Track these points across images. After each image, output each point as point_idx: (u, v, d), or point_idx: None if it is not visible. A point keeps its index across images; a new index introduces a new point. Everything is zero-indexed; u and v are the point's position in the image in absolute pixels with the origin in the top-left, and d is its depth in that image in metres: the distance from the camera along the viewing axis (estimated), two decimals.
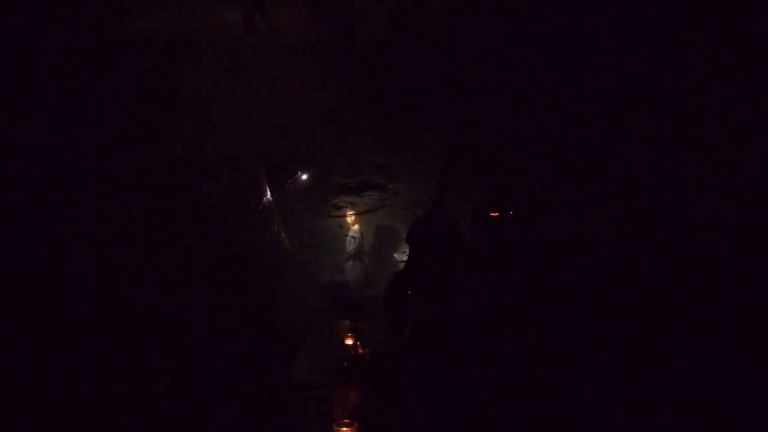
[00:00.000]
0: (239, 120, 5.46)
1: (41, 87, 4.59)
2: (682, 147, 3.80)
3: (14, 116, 4.34)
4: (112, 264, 4.56)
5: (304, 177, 7.13)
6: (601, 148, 4.54)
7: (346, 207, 8.31)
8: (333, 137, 5.99)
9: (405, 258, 6.59)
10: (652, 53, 4.09)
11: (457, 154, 5.75)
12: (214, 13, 4.78)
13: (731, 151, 3.33)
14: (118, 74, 5.16)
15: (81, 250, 4.45)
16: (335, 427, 2.02)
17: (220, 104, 5.42)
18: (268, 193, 5.39)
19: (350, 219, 8.35)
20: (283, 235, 5.09)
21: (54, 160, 4.73)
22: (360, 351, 3.00)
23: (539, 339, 2.46)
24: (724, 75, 3.43)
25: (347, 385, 2.37)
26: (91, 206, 4.50)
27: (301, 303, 5.10)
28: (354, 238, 8.26)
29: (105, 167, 4.62)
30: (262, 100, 5.47)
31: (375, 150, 6.81)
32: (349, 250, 8.23)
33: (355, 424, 2.03)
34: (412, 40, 5.25)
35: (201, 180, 4.97)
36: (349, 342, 3.14)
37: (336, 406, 2.29)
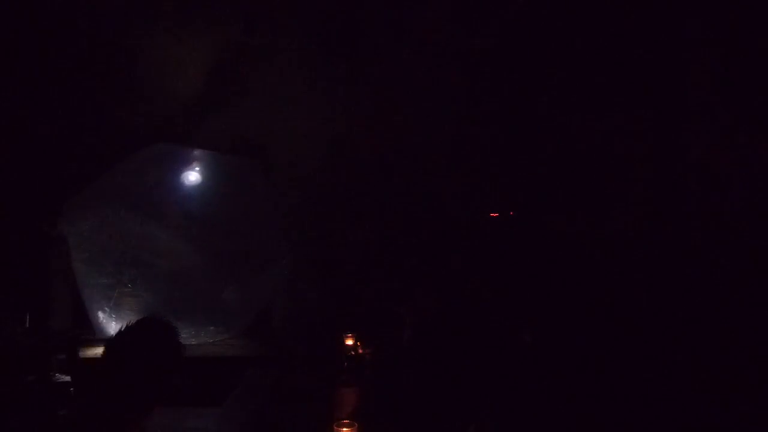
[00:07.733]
0: (238, 121, 5.45)
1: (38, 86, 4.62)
2: (682, 147, 3.80)
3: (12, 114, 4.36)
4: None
5: (303, 177, 7.11)
6: (600, 148, 4.54)
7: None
8: (333, 137, 5.98)
9: None
10: (652, 53, 4.09)
11: None
12: (213, 14, 4.79)
13: (731, 150, 3.33)
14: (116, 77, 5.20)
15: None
16: (335, 427, 2.02)
17: (219, 105, 5.42)
18: (268, 192, 5.38)
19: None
20: (283, 235, 5.09)
21: (51, 158, 4.75)
22: (360, 351, 2.99)
23: (536, 337, 2.46)
24: (724, 75, 3.43)
25: (347, 385, 2.36)
26: (88, 208, 4.50)
27: (301, 302, 5.10)
28: None
29: (100, 170, 4.63)
30: (262, 101, 5.47)
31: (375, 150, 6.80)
32: None
33: (355, 424, 2.02)
34: (413, 39, 5.26)
35: (199, 181, 4.96)
36: (349, 342, 3.13)
37: (336, 406, 2.28)
